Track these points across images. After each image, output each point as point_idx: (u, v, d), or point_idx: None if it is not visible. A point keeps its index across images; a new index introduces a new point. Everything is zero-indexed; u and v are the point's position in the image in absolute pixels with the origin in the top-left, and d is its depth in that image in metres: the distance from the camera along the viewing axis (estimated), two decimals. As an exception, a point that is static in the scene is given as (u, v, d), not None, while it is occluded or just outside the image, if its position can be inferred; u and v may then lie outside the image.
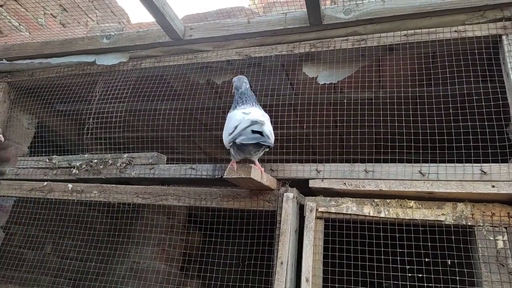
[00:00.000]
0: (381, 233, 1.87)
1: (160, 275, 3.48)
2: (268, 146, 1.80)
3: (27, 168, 2.84)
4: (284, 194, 2.08)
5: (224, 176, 1.95)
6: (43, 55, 3.12)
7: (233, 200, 2.22)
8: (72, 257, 3.64)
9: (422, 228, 1.84)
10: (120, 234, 3.45)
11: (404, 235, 1.83)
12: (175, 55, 2.80)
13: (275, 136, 2.08)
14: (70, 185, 2.60)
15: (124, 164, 2.57)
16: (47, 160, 2.79)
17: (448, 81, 2.16)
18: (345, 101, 2.40)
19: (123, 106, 2.80)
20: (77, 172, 2.66)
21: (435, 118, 2.11)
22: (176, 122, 2.96)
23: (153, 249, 3.67)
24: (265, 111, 2.05)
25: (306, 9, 2.29)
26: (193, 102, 2.92)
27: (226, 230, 2.49)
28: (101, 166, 2.62)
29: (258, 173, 1.95)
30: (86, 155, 2.74)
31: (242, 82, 2.08)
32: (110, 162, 2.61)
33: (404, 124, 2.12)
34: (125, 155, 2.61)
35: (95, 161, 2.65)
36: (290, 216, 2.01)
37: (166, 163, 2.55)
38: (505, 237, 1.71)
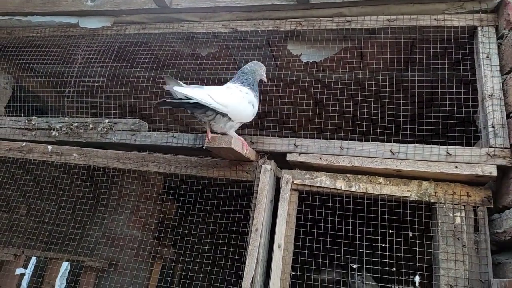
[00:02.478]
0: (351, 206, 2.00)
1: (135, 242, 3.55)
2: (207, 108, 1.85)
3: (4, 127, 2.80)
4: (263, 165, 2.17)
5: (205, 146, 2.01)
6: (24, 13, 3.04)
7: (213, 169, 2.29)
8: (46, 221, 3.65)
9: (389, 203, 1.98)
10: (96, 200, 3.48)
11: (372, 208, 1.96)
12: (161, 23, 2.79)
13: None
14: (49, 147, 2.60)
15: (105, 129, 2.58)
16: (26, 121, 2.76)
17: (424, 67, 2.27)
18: (326, 80, 2.48)
19: (105, 71, 2.79)
20: (57, 134, 2.65)
21: (409, 101, 2.22)
22: (158, 91, 2.97)
23: (128, 215, 3.71)
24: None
25: (294, -14, 2.33)
26: (176, 72, 2.93)
27: (203, 198, 2.56)
28: (82, 130, 2.62)
29: (239, 144, 2.02)
30: (66, 118, 2.72)
31: (253, 65, 2.16)
32: (91, 126, 2.61)
33: (380, 105, 2.23)
34: (107, 120, 2.62)
35: (76, 124, 2.65)
36: (267, 186, 2.11)
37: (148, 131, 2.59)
38: (463, 214, 1.86)
